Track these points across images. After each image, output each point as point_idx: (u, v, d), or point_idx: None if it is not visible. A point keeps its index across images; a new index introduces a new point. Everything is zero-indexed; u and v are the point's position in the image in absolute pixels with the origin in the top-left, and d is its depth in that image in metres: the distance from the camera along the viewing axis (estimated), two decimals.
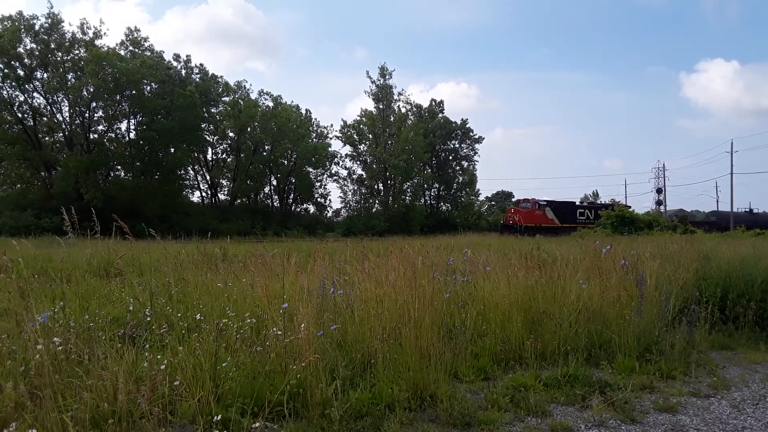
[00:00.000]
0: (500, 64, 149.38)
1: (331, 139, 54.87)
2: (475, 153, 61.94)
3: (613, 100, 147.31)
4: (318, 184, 54.59)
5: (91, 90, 36.23)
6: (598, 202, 54.84)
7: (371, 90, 51.01)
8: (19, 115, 36.52)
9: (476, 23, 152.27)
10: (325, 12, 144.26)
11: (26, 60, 35.77)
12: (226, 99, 47.19)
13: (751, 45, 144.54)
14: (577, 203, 47.16)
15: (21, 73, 35.61)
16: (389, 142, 51.21)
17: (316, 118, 55.23)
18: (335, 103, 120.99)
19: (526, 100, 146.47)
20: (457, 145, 61.49)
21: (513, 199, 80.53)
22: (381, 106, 51.36)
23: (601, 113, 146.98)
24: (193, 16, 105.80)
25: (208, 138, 47.21)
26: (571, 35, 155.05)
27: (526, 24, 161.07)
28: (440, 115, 60.19)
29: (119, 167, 41.13)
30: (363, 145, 54.99)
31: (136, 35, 40.73)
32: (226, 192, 50.03)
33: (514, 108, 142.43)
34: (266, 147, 48.84)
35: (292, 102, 52.65)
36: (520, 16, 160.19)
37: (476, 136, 61.39)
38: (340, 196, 56.73)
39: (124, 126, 40.74)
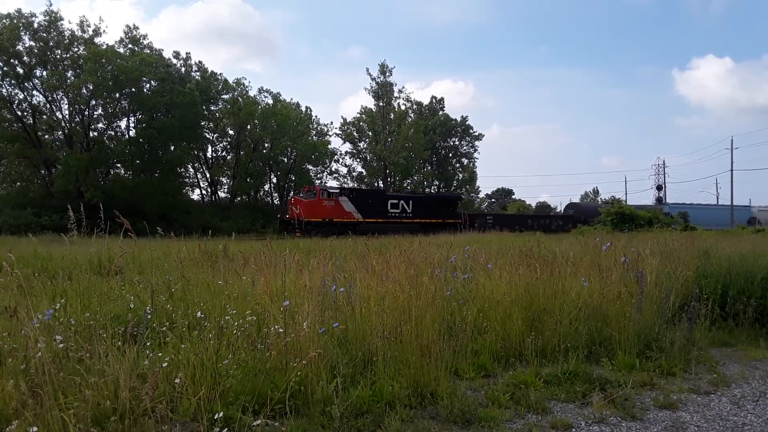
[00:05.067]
0: (495, 61, 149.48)
1: (330, 136, 54.86)
2: (475, 150, 62.00)
3: (610, 97, 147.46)
4: (318, 181, 54.60)
5: (91, 88, 36.15)
6: (421, 192, 45.08)
7: (371, 87, 50.97)
8: (19, 113, 36.44)
9: (472, 21, 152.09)
10: (321, 11, 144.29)
11: (25, 58, 35.66)
12: (226, 96, 47.12)
13: (744, 42, 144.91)
14: (389, 193, 38.78)
15: (20, 71, 35.53)
16: (389, 139, 51.15)
17: (316, 116, 55.25)
18: (331, 101, 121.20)
19: (522, 98, 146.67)
20: (456, 143, 61.50)
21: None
22: (381, 104, 51.28)
23: (599, 111, 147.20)
24: (189, 14, 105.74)
25: (207, 136, 47.14)
26: (565, 33, 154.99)
27: (519, 22, 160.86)
28: (441, 112, 60.16)
29: (119, 165, 41.08)
30: (363, 142, 54.97)
31: (135, 33, 40.68)
32: (225, 189, 50.03)
33: (511, 106, 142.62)
34: (266, 144, 48.77)
35: (292, 99, 52.65)
36: (514, 14, 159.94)
37: (476, 134, 61.45)
38: None
39: (123, 124, 40.74)
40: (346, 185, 36.10)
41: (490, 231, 29.87)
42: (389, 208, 34.54)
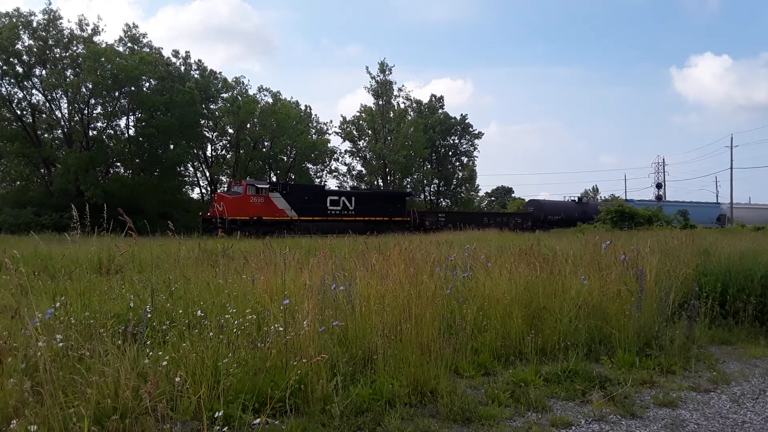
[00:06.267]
0: (493, 60, 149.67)
1: (330, 135, 54.81)
2: (475, 149, 61.95)
3: (609, 95, 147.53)
4: (317, 180, 54.56)
5: (90, 86, 36.10)
6: (366, 188, 43.03)
7: (371, 86, 50.93)
8: (18, 112, 36.45)
9: (470, 20, 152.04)
10: (319, 9, 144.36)
11: (25, 57, 35.64)
12: (225, 95, 47.08)
13: (742, 40, 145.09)
14: (328, 188, 36.53)
15: (19, 69, 35.51)
16: (389, 137, 51.12)
17: (315, 114, 55.18)
18: (329, 99, 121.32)
19: (521, 96, 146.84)
20: (456, 141, 61.46)
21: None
22: (381, 102, 51.25)
23: (598, 109, 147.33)
24: (187, 13, 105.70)
25: (207, 134, 47.13)
26: (563, 31, 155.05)
27: (518, 20, 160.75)
28: (440, 110, 60.10)
29: (119, 164, 41.12)
30: (362, 141, 54.95)
31: (134, 32, 40.63)
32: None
33: (510, 104, 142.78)
34: (266, 143, 48.76)
35: (292, 98, 52.60)
36: (513, 12, 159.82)
37: (476, 132, 61.41)
38: None
39: (123, 123, 40.76)
40: (277, 181, 33.45)
41: (443, 230, 28.86)
42: (329, 205, 31.78)
